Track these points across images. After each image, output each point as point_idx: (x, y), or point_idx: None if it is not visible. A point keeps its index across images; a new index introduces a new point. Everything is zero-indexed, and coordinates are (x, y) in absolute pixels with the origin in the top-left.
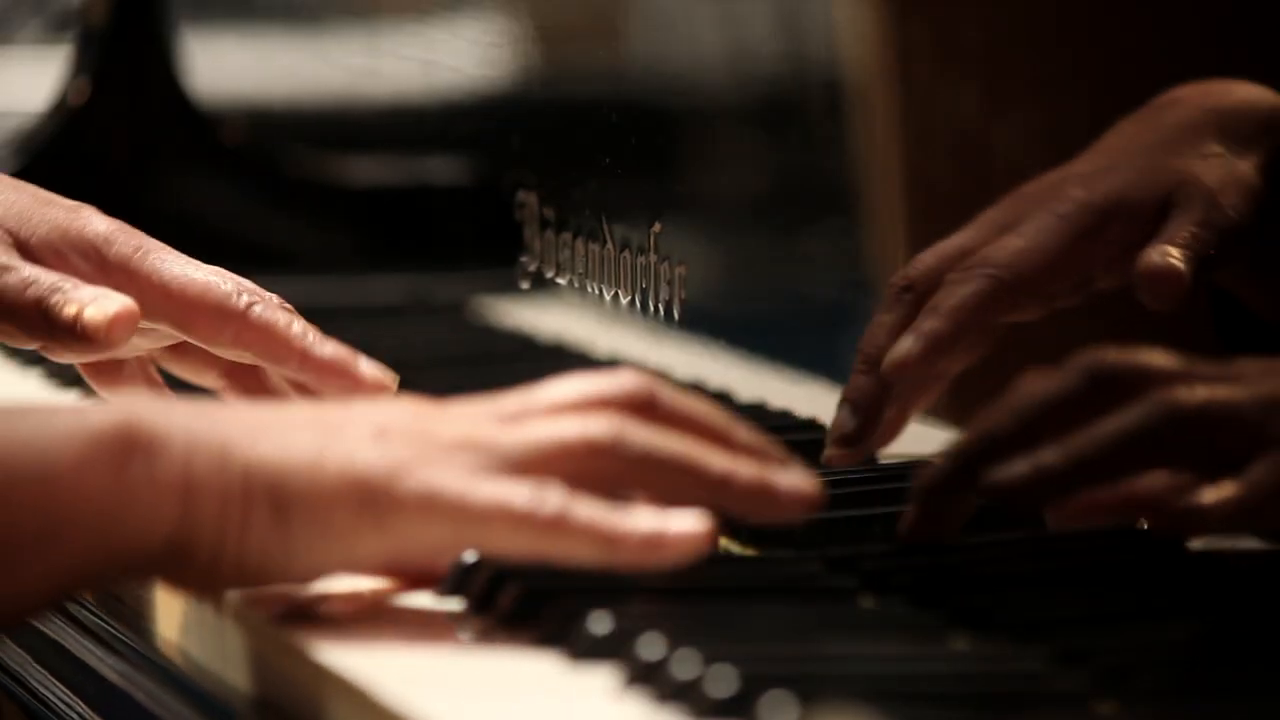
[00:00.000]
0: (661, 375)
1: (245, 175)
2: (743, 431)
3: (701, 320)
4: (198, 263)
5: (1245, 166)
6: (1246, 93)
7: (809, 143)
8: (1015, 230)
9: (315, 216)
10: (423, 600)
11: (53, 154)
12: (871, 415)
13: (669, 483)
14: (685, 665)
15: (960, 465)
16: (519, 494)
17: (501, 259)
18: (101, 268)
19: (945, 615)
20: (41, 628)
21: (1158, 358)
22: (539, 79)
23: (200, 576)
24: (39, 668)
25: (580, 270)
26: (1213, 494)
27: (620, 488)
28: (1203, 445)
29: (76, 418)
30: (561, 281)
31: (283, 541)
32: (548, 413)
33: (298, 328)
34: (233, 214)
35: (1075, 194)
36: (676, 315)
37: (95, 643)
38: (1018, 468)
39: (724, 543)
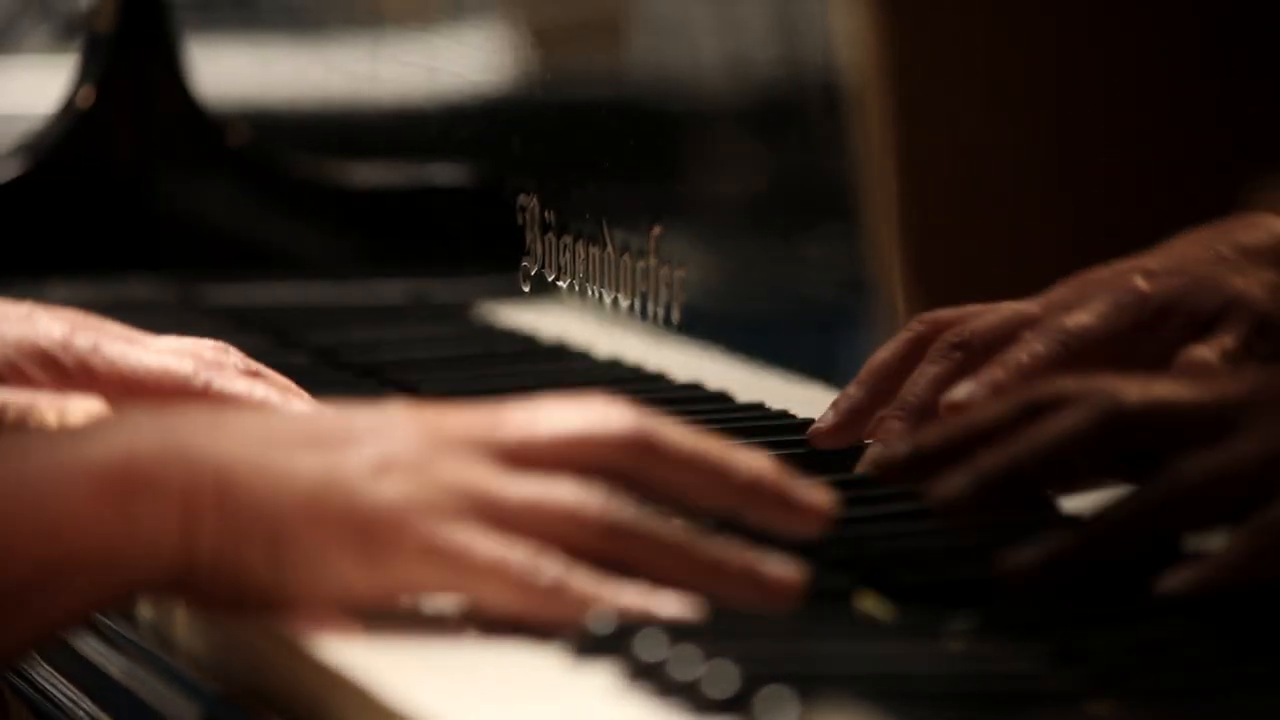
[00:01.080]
0: (661, 378)
1: (250, 179)
2: (743, 463)
3: (701, 323)
4: (155, 346)
5: None
6: None
7: (808, 146)
8: (1084, 306)
9: (318, 220)
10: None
11: (59, 158)
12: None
13: (657, 564)
14: (685, 664)
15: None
16: (518, 558)
17: (502, 262)
18: (60, 374)
19: (943, 615)
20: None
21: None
22: (539, 83)
23: (199, 599)
24: (46, 666)
25: (580, 273)
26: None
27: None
28: (1144, 443)
29: (76, 456)
30: (562, 284)
31: (277, 575)
32: (549, 451)
33: (259, 392)
34: (237, 217)
35: (1138, 285)
36: (676, 318)
37: (102, 641)
38: (956, 479)
39: None
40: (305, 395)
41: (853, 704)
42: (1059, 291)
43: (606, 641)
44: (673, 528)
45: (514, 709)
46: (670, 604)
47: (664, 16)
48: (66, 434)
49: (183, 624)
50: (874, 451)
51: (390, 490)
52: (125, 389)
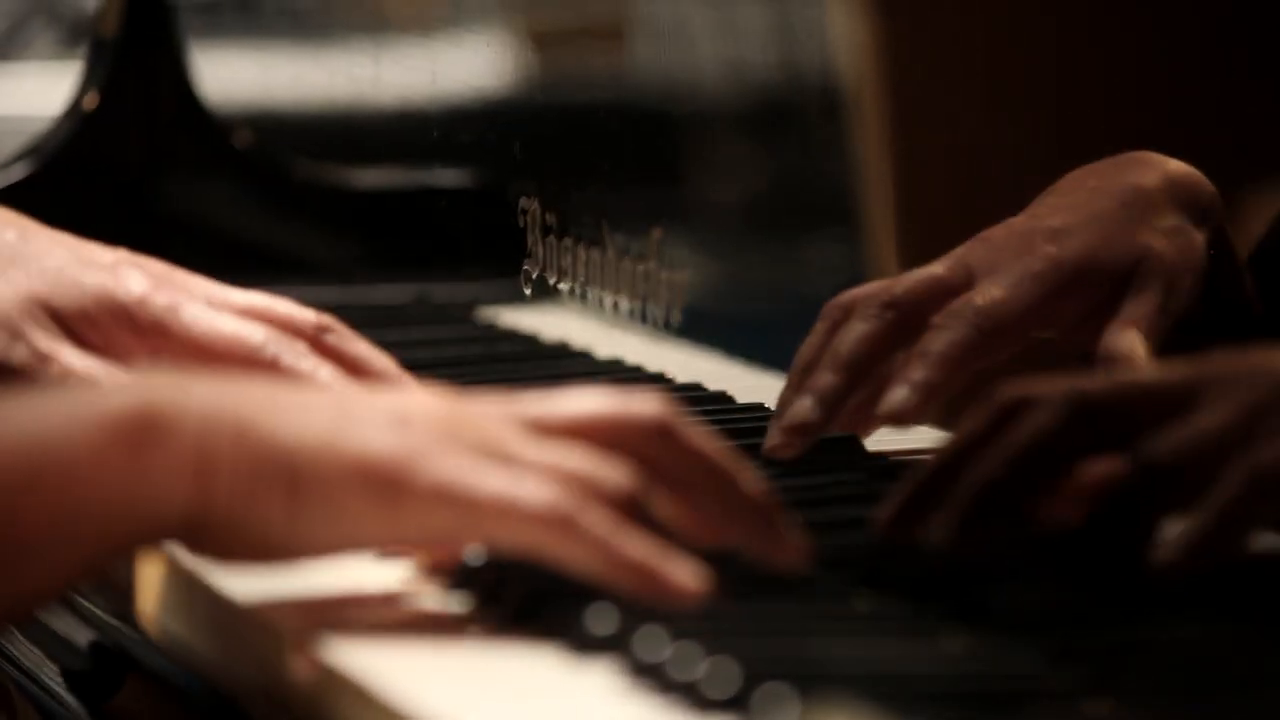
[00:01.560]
0: (661, 379)
1: (254, 182)
2: (749, 481)
3: (701, 326)
4: (230, 312)
5: (1199, 244)
6: (1190, 169)
7: (807, 149)
8: (994, 279)
9: (322, 222)
10: (425, 596)
11: (65, 160)
12: (833, 414)
13: (701, 484)
14: (686, 663)
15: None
16: (529, 490)
17: (504, 265)
18: (136, 331)
19: (943, 614)
20: (53, 626)
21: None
22: (541, 87)
23: (215, 549)
24: (52, 665)
25: (581, 277)
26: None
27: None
28: (1114, 430)
29: (94, 403)
30: (563, 288)
31: (292, 521)
32: (568, 428)
33: (324, 374)
34: (241, 220)
35: (1048, 251)
36: (676, 321)
37: (107, 640)
38: (941, 520)
39: None
40: (398, 374)
41: (853, 704)
42: (968, 251)
43: (608, 640)
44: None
45: (515, 708)
46: (681, 570)
47: (664, 20)
48: (86, 388)
49: (186, 623)
50: (873, 514)
51: (405, 439)
52: (196, 352)
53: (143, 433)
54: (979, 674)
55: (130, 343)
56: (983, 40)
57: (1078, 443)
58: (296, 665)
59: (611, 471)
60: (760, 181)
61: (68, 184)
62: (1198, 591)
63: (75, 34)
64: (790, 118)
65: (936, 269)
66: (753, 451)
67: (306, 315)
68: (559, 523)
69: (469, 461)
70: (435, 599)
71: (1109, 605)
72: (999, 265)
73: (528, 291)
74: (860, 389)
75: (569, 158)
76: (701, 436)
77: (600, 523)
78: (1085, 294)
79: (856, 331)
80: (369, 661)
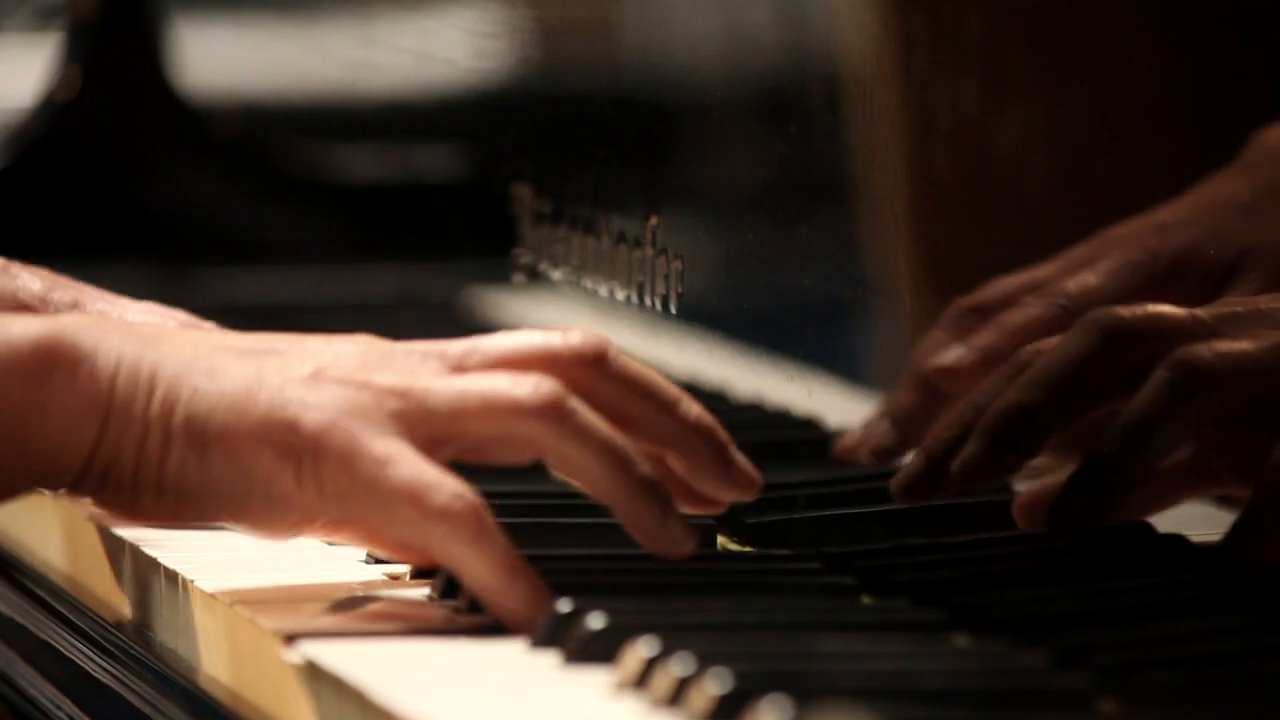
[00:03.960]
0: (658, 370)
1: (236, 168)
2: (692, 407)
3: (698, 314)
4: (133, 310)
5: None
6: None
7: (807, 135)
8: (1092, 267)
9: (307, 209)
10: (417, 598)
11: (41, 148)
12: (911, 432)
13: (591, 466)
14: (680, 665)
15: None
16: (438, 485)
17: (496, 252)
18: None
19: (945, 614)
20: (30, 626)
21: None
22: (534, 70)
23: (122, 501)
24: (27, 666)
25: (575, 263)
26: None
27: (543, 455)
28: (1145, 358)
29: (10, 325)
30: (556, 275)
31: (201, 476)
32: (495, 363)
33: None
34: (223, 207)
35: (1150, 242)
36: (673, 309)
37: (84, 641)
38: (969, 449)
39: (721, 540)
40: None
41: (850, 705)
42: (1079, 250)
43: (601, 642)
44: (616, 436)
45: (509, 711)
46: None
47: (660, 3)
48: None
49: (165, 624)
50: (895, 481)
51: (317, 397)
52: None
53: (49, 363)
54: (983, 673)
55: None
56: (991, 25)
57: (1110, 370)
58: None
59: (529, 384)
60: (759, 167)
61: (46, 172)
62: (1202, 588)
63: (50, 14)
64: (790, 103)
65: (1039, 270)
66: (750, 446)
67: (191, 321)
68: (463, 523)
69: (382, 428)
70: (422, 598)
71: (1114, 603)
72: (1101, 256)
73: (520, 279)
74: None
75: (562, 143)
76: (640, 366)
77: (487, 521)
78: (1185, 287)
79: (931, 340)
80: (357, 663)
